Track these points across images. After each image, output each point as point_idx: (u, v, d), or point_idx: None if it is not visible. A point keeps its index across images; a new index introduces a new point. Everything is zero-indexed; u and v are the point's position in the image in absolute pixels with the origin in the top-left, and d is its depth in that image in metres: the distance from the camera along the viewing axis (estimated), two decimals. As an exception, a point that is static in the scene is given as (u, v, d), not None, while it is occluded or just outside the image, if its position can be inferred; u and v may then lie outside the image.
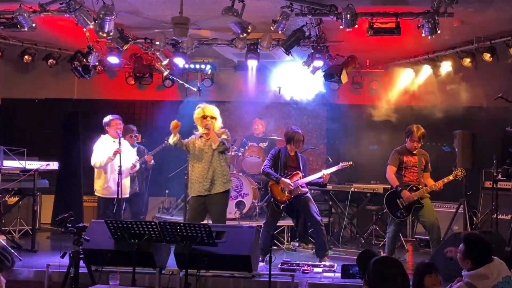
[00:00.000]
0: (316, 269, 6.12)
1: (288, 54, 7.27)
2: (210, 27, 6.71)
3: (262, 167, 6.91)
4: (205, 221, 6.40)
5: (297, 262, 6.25)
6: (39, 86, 9.98)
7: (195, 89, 8.52)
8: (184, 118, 6.33)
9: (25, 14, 6.22)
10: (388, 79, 9.45)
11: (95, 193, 7.11)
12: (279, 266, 6.11)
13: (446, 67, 8.50)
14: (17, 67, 9.56)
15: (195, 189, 6.27)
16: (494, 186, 6.87)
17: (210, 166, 6.25)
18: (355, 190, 8.17)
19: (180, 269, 5.38)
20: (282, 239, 7.94)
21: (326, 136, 9.88)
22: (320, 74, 8.21)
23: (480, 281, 3.89)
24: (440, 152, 8.84)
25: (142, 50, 8.37)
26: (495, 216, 6.75)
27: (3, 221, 7.73)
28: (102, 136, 7.15)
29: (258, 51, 7.67)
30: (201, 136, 6.34)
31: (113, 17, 5.93)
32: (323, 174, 6.78)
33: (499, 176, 7.04)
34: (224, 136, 6.33)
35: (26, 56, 8.65)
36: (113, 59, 8.09)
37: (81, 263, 4.73)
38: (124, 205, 7.28)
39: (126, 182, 7.19)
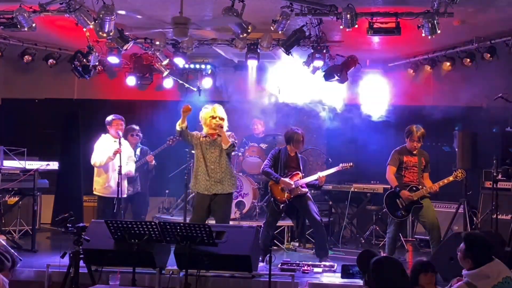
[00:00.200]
0: (316, 269, 6.12)
1: (288, 54, 7.27)
2: (210, 27, 6.71)
3: (262, 167, 6.91)
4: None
5: (297, 262, 6.25)
6: (39, 86, 9.97)
7: (195, 89, 8.52)
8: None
9: (25, 14, 6.22)
10: (388, 79, 9.44)
11: (94, 192, 7.11)
12: (279, 266, 6.11)
13: (446, 67, 8.50)
14: (17, 67, 9.55)
15: (201, 187, 6.18)
16: (494, 186, 6.87)
17: (219, 166, 6.19)
18: (355, 190, 8.17)
19: (180, 269, 5.38)
20: (282, 239, 7.94)
21: (326, 136, 9.88)
22: (320, 74, 8.21)
23: (480, 280, 3.89)
24: (440, 152, 8.83)
25: (142, 50, 8.37)
26: (495, 216, 6.75)
27: (3, 221, 7.73)
28: (103, 135, 7.16)
29: (258, 51, 7.67)
30: (205, 136, 6.28)
31: (113, 17, 5.93)
32: (319, 176, 6.78)
33: (499, 176, 7.04)
34: (231, 139, 6.30)
35: (26, 56, 8.64)
36: (113, 59, 8.09)
37: (81, 263, 4.73)
38: (125, 205, 7.29)
39: (125, 182, 7.19)
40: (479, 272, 3.93)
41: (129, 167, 7.25)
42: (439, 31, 6.04)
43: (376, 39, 6.58)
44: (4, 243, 6.69)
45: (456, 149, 7.59)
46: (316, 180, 6.80)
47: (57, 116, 9.88)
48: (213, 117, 6.20)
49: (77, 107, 9.81)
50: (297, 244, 7.89)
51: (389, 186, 6.70)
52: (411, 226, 8.21)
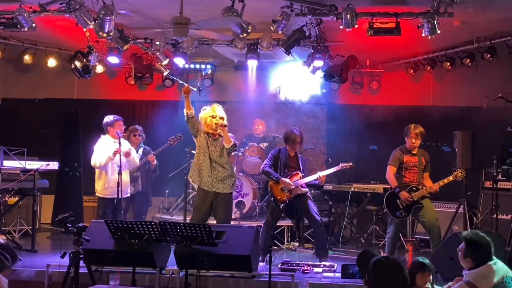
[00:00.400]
0: (316, 269, 6.12)
1: (288, 54, 7.27)
2: (210, 27, 6.70)
3: (262, 166, 6.92)
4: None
5: (297, 262, 6.25)
6: (39, 86, 9.98)
7: (195, 89, 8.48)
8: (184, 118, 6.31)
9: (25, 14, 6.22)
10: (388, 79, 9.46)
11: (96, 194, 7.11)
12: (279, 266, 6.11)
13: (446, 67, 8.50)
14: (17, 67, 9.56)
15: (202, 182, 6.18)
16: (494, 186, 6.87)
17: (222, 165, 6.22)
18: (355, 190, 8.17)
19: (180, 269, 5.38)
20: (282, 239, 7.94)
21: (326, 136, 9.88)
22: (320, 74, 8.22)
23: (481, 280, 3.89)
24: (440, 152, 8.84)
25: (142, 50, 8.37)
26: (495, 216, 6.75)
27: (3, 221, 7.72)
28: (102, 136, 7.15)
29: (258, 51, 7.66)
30: (207, 134, 6.27)
31: (113, 17, 5.93)
32: (319, 176, 6.79)
33: (499, 176, 7.03)
34: (233, 139, 6.31)
35: (26, 56, 8.65)
36: (113, 59, 8.09)
37: (81, 263, 4.73)
38: (126, 204, 7.29)
39: (127, 180, 7.19)
40: (479, 272, 3.93)
41: (134, 156, 7.30)
42: (439, 31, 6.04)
43: (376, 39, 6.58)
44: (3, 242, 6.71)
45: (456, 149, 7.60)
46: (316, 179, 6.80)
47: (57, 116, 9.88)
48: (213, 117, 6.21)
49: (77, 107, 9.80)
50: (297, 244, 7.89)
51: (389, 186, 6.70)
52: (411, 226, 8.21)
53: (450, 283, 4.24)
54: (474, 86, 8.67)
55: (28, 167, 7.23)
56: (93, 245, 5.17)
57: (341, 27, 6.15)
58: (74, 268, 4.65)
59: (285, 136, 6.92)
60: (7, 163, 7.16)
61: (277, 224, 7.16)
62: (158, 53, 8.07)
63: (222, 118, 6.22)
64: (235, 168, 8.61)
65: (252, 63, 8.09)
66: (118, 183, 6.70)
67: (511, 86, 7.65)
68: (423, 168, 6.57)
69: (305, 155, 7.71)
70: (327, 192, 8.45)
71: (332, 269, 6.14)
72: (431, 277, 3.97)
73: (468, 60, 8.09)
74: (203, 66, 9.51)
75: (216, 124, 6.17)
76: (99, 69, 9.09)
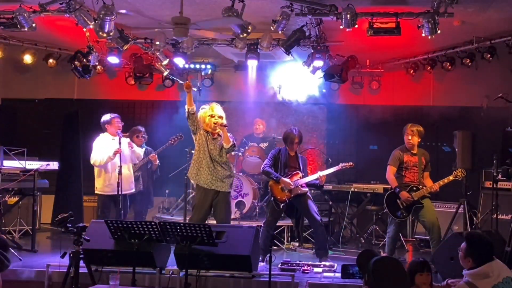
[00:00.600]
0: (316, 269, 6.12)
1: (288, 54, 7.27)
2: (210, 27, 6.70)
3: (262, 166, 6.93)
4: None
5: (297, 262, 6.25)
6: (39, 86, 9.98)
7: (195, 89, 8.52)
8: (184, 118, 6.32)
9: (25, 14, 6.22)
10: (388, 79, 9.46)
11: (96, 192, 7.11)
12: (279, 266, 6.11)
13: (446, 67, 8.50)
14: (17, 67, 9.56)
15: (201, 179, 6.18)
16: (494, 186, 6.87)
17: (221, 163, 6.23)
18: (355, 190, 8.17)
19: (180, 269, 5.38)
20: (282, 239, 7.94)
21: (326, 136, 9.88)
22: (320, 74, 8.21)
23: (481, 280, 3.90)
24: (440, 152, 8.84)
25: (142, 50, 8.37)
26: (495, 216, 6.75)
27: (3, 221, 7.72)
28: (101, 134, 7.16)
29: (258, 51, 7.66)
30: (206, 132, 6.29)
31: (113, 17, 5.93)
32: (319, 176, 6.79)
33: (499, 176, 7.04)
34: (231, 139, 6.31)
35: (26, 56, 8.65)
36: (113, 59, 8.09)
37: (81, 263, 4.73)
38: (126, 203, 7.30)
39: (130, 175, 7.20)
40: (480, 272, 3.93)
41: (138, 151, 7.38)
42: (439, 31, 6.04)
43: (376, 39, 6.59)
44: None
45: (456, 149, 7.60)
46: (316, 179, 6.81)
47: (57, 116, 9.88)
48: (212, 116, 6.21)
49: (77, 107, 9.81)
50: (297, 244, 7.89)
51: (389, 186, 6.70)
52: (411, 226, 8.21)
53: (443, 282, 4.25)
54: (474, 86, 8.67)
55: (28, 167, 7.24)
56: (93, 245, 5.17)
57: (341, 27, 6.15)
58: (74, 268, 4.65)
59: (283, 136, 6.94)
60: (7, 163, 7.16)
61: (277, 224, 7.16)
62: (158, 53, 8.08)
63: (221, 117, 6.22)
64: (235, 168, 8.64)
65: (252, 63, 8.09)
66: (118, 182, 6.71)
67: (511, 86, 7.65)
68: (423, 167, 6.57)
69: (305, 155, 7.71)
70: (327, 192, 8.45)
71: (332, 269, 6.14)
72: (430, 277, 3.97)
73: (468, 60, 8.09)
74: (203, 66, 9.51)
75: (215, 123, 6.17)
76: (98, 68, 9.09)
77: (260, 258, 6.16)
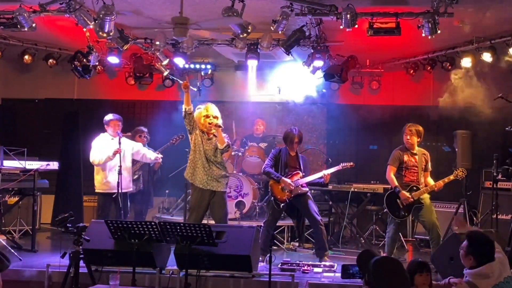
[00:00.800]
0: (316, 269, 6.12)
1: (288, 54, 7.27)
2: (210, 27, 6.71)
3: (263, 167, 6.95)
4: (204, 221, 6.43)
5: (297, 262, 6.26)
6: (39, 86, 9.98)
7: (195, 89, 8.53)
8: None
9: (25, 14, 6.21)
10: (388, 79, 9.45)
11: (95, 190, 7.13)
12: (279, 266, 6.11)
13: (446, 67, 8.50)
14: (17, 67, 9.56)
15: (197, 179, 6.22)
16: (494, 186, 6.87)
17: (216, 163, 6.26)
18: (355, 190, 8.16)
19: (180, 269, 5.38)
20: (282, 239, 7.94)
21: (326, 136, 9.88)
22: (320, 74, 8.21)
23: (481, 280, 3.90)
24: (440, 152, 8.84)
25: (142, 50, 8.37)
26: (495, 216, 6.75)
27: (3, 221, 7.72)
28: (101, 134, 7.17)
29: (258, 51, 7.66)
30: (202, 132, 6.32)
31: (113, 17, 5.93)
32: (324, 174, 6.79)
33: (499, 176, 7.04)
34: (226, 140, 6.33)
35: (26, 56, 8.65)
36: (113, 59, 8.09)
37: (81, 263, 4.73)
38: (127, 203, 7.30)
39: (126, 176, 7.19)
40: (480, 272, 3.93)
41: (145, 153, 7.37)
42: (439, 31, 6.04)
43: (376, 39, 6.59)
44: (4, 243, 6.72)
45: (456, 149, 7.60)
46: (320, 178, 6.81)
47: (57, 116, 9.88)
48: (207, 116, 6.25)
49: (77, 107, 9.81)
50: (297, 244, 7.89)
51: (389, 186, 6.70)
52: (411, 226, 8.21)
53: (445, 280, 4.24)
54: (474, 86, 8.64)
55: (28, 167, 7.23)
56: (93, 245, 5.17)
57: (341, 27, 6.15)
58: (74, 268, 4.65)
59: (284, 136, 6.96)
60: (7, 163, 7.15)
61: (277, 224, 7.16)
62: (158, 53, 8.08)
63: (216, 117, 6.26)
64: (235, 168, 8.64)
65: (252, 63, 8.09)
66: (118, 183, 6.71)
67: (511, 86, 7.65)
68: (423, 167, 6.57)
69: (305, 155, 7.70)
70: (327, 192, 8.45)
71: (332, 269, 6.14)
72: (429, 277, 3.97)
73: (468, 60, 8.07)
74: (203, 66, 9.51)
75: (210, 124, 6.21)
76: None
77: (260, 258, 6.16)
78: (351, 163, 7.05)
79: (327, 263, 6.33)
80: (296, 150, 6.91)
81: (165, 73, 9.06)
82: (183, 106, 6.20)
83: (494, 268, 3.93)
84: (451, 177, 6.37)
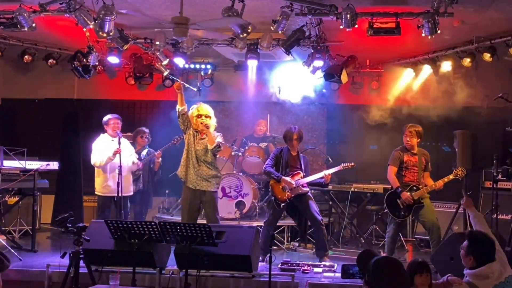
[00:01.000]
0: (316, 269, 6.13)
1: (288, 54, 7.26)
2: (211, 27, 6.71)
3: (264, 166, 6.96)
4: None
5: (297, 262, 6.26)
6: (39, 86, 9.98)
7: (195, 89, 8.53)
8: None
9: (25, 14, 6.21)
10: (388, 79, 9.44)
11: (95, 192, 7.14)
12: (279, 266, 6.11)
13: (446, 67, 8.50)
14: (17, 67, 9.56)
15: (188, 178, 6.33)
16: (494, 186, 6.87)
17: (207, 163, 6.33)
18: (355, 190, 8.16)
19: (180, 269, 5.38)
20: (282, 239, 7.94)
21: (326, 136, 9.88)
22: (320, 74, 8.21)
23: (482, 280, 3.89)
24: (440, 152, 8.84)
25: (142, 50, 8.37)
26: (495, 216, 6.75)
27: (3, 221, 7.73)
28: (101, 135, 7.18)
29: (258, 51, 7.66)
30: (196, 131, 6.41)
31: (113, 17, 5.93)
32: (325, 174, 6.79)
33: (499, 176, 7.04)
34: (219, 139, 6.38)
35: (26, 56, 8.64)
36: (113, 59, 8.09)
37: (81, 263, 4.73)
38: (127, 205, 7.30)
39: (128, 180, 7.20)
40: (480, 272, 3.93)
41: (132, 158, 7.37)
42: (439, 31, 6.04)
43: (376, 39, 6.59)
44: (4, 243, 6.72)
45: (456, 149, 7.60)
46: (321, 178, 6.81)
47: (57, 116, 9.88)
48: (199, 116, 6.35)
49: (77, 107, 9.81)
50: (297, 244, 7.89)
51: (389, 186, 6.70)
52: (411, 226, 8.21)
53: (443, 278, 4.24)
54: (474, 86, 8.65)
55: (28, 167, 7.24)
56: (93, 245, 5.17)
57: (341, 27, 6.15)
58: (74, 268, 4.65)
59: (283, 135, 6.99)
60: (7, 163, 7.16)
61: (277, 224, 7.16)
62: (158, 53, 8.07)
63: (208, 117, 6.35)
64: (235, 168, 8.64)
65: (252, 63, 8.09)
66: (118, 183, 6.72)
67: (511, 86, 7.65)
68: (423, 167, 6.57)
69: (305, 155, 7.69)
70: (327, 192, 8.45)
71: (332, 269, 6.14)
72: (429, 278, 3.96)
73: (468, 60, 8.08)
74: (203, 66, 9.51)
75: (201, 123, 6.31)
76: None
77: (260, 258, 6.16)
78: (352, 163, 7.04)
79: (327, 263, 6.33)
80: (297, 149, 6.91)
81: (165, 73, 9.05)
82: (177, 106, 6.38)
83: (494, 268, 3.93)
84: (451, 176, 6.37)
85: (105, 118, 7.20)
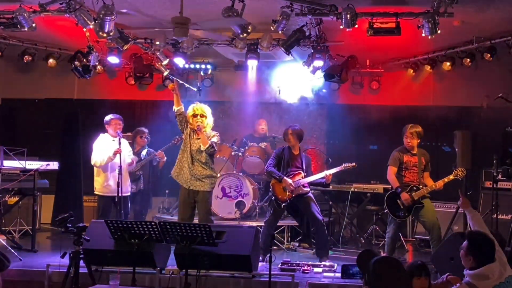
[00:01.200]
0: (316, 269, 6.13)
1: (288, 54, 7.26)
2: (212, 27, 6.71)
3: (266, 166, 7.00)
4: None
5: (297, 262, 6.26)
6: (39, 86, 9.97)
7: (195, 89, 8.54)
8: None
9: (25, 14, 6.21)
10: (388, 79, 9.45)
11: (95, 192, 7.13)
12: (279, 266, 6.11)
13: (446, 67, 8.50)
14: (17, 67, 9.56)
15: (182, 178, 6.39)
16: (494, 186, 6.87)
17: (201, 163, 6.38)
18: (355, 190, 8.17)
19: (180, 269, 5.38)
20: (282, 239, 7.94)
21: (326, 136, 9.88)
22: (320, 74, 8.21)
23: (481, 281, 3.89)
24: (440, 152, 8.84)
25: (142, 50, 8.36)
26: (495, 216, 6.75)
27: (3, 221, 7.73)
28: (101, 135, 7.18)
29: (258, 51, 7.66)
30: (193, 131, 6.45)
31: (113, 17, 5.93)
32: (326, 174, 6.79)
33: (499, 176, 7.04)
34: (214, 139, 6.42)
35: (26, 56, 8.64)
36: (113, 59, 8.09)
37: (81, 263, 4.73)
38: (127, 205, 7.30)
39: (126, 179, 7.20)
40: (480, 273, 3.92)
41: (131, 157, 7.41)
42: (439, 31, 6.04)
43: (376, 39, 6.59)
44: (4, 243, 6.72)
45: (456, 149, 7.60)
46: (323, 178, 6.81)
47: (57, 116, 9.88)
48: (194, 116, 6.43)
49: (77, 107, 9.81)
50: (297, 244, 7.89)
51: (390, 186, 6.70)
52: (411, 226, 8.21)
53: (442, 277, 4.24)
54: (474, 86, 8.66)
55: (28, 167, 7.24)
56: (93, 245, 5.18)
57: (341, 27, 6.14)
58: (74, 268, 4.65)
59: (283, 134, 7.00)
60: (7, 163, 7.16)
61: (277, 224, 7.16)
62: (158, 53, 8.07)
63: (203, 116, 6.40)
64: (235, 168, 8.63)
65: (252, 63, 8.09)
66: (118, 183, 6.72)
67: (511, 86, 7.65)
68: (423, 168, 6.57)
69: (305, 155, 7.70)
70: (327, 192, 8.45)
71: (332, 269, 6.14)
72: (427, 281, 3.94)
73: (468, 60, 8.09)
74: (203, 66, 9.50)
75: (196, 124, 6.37)
76: (97, 69, 9.10)
77: (260, 258, 6.16)
78: (353, 164, 7.04)
79: (327, 263, 6.33)
80: (298, 148, 6.90)
81: (165, 73, 9.04)
82: (173, 107, 6.46)
83: (494, 268, 3.93)
84: (451, 176, 6.37)
85: (107, 118, 7.20)
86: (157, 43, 7.30)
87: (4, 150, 7.04)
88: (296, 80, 9.09)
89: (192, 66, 9.35)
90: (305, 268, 6.07)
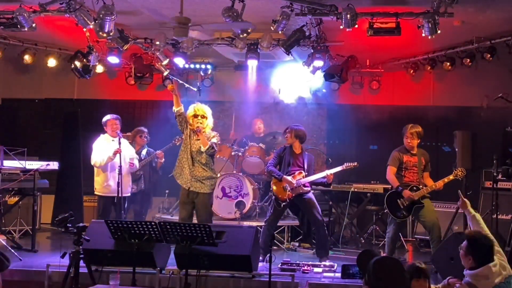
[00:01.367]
0: (316, 269, 6.12)
1: (288, 54, 7.26)
2: (212, 28, 6.71)
3: (267, 165, 7.01)
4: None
5: (297, 262, 6.26)
6: (39, 86, 9.98)
7: (195, 89, 8.54)
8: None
9: (25, 14, 6.21)
10: (388, 79, 9.45)
11: (95, 192, 7.14)
12: (279, 266, 6.11)
13: (446, 67, 8.50)
14: (17, 67, 9.56)
15: (183, 179, 6.39)
16: (494, 186, 6.87)
17: (201, 163, 6.38)
18: (355, 190, 8.16)
19: (180, 269, 5.38)
20: (282, 239, 7.94)
21: (326, 136, 9.88)
22: (320, 74, 8.21)
23: (481, 281, 3.89)
24: (440, 152, 8.84)
25: (142, 50, 8.37)
26: (495, 216, 6.75)
27: (3, 221, 7.73)
28: (102, 135, 7.18)
29: (258, 51, 7.65)
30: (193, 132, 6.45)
31: (113, 17, 5.93)
32: (327, 174, 6.79)
33: (499, 176, 7.04)
34: (214, 140, 6.41)
35: (26, 56, 8.65)
36: (113, 59, 8.09)
37: (81, 263, 4.73)
38: (126, 204, 7.30)
39: (127, 180, 7.20)
40: (480, 273, 3.93)
41: (131, 157, 7.36)
42: (439, 31, 6.04)
43: (376, 39, 6.59)
44: (4, 243, 6.72)
45: (456, 149, 7.60)
46: (323, 178, 6.81)
47: (57, 116, 9.88)
48: (195, 116, 6.42)
49: (77, 107, 9.81)
50: (297, 244, 7.89)
51: (390, 186, 6.70)
52: (411, 226, 8.21)
53: (444, 281, 4.24)
54: (474, 86, 8.67)
55: (28, 167, 7.24)
56: (93, 245, 5.18)
57: (341, 27, 6.14)
58: (74, 268, 4.65)
59: (283, 132, 7.02)
60: (7, 163, 7.16)
61: (277, 224, 7.16)
62: (158, 53, 8.07)
63: (204, 117, 6.40)
64: (235, 168, 8.63)
65: (252, 63, 8.09)
66: (118, 183, 6.72)
67: (511, 86, 7.65)
68: (423, 168, 6.57)
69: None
70: (327, 192, 8.45)
71: (332, 269, 6.14)
72: (426, 283, 3.93)
73: (468, 60, 8.09)
74: (203, 66, 9.51)
75: (196, 125, 6.37)
76: (99, 69, 9.10)
77: (260, 258, 6.16)
78: (355, 163, 7.01)
79: (327, 263, 6.33)
80: (300, 147, 6.88)
81: (165, 73, 9.03)
82: (173, 108, 6.46)
83: (494, 269, 3.93)
84: (451, 177, 6.36)
85: (104, 119, 7.21)
86: (157, 43, 7.30)
87: (4, 150, 7.04)
88: (296, 80, 9.09)
89: (192, 66, 9.35)
90: (305, 268, 6.07)
